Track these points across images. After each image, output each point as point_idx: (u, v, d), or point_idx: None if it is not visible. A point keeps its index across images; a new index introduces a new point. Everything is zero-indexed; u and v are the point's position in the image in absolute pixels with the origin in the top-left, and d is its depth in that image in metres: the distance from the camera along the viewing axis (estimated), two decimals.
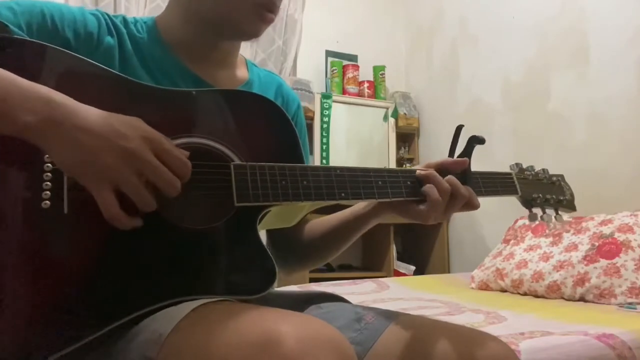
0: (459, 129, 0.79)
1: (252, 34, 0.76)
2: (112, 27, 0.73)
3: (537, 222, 0.88)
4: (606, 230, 1.70)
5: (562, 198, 0.90)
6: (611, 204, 1.94)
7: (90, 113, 0.55)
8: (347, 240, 0.84)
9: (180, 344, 0.52)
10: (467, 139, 0.79)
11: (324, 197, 0.68)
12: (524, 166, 0.89)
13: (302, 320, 0.49)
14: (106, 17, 0.73)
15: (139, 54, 0.74)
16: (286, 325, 0.47)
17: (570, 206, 0.92)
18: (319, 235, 0.86)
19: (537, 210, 0.87)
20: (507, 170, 0.86)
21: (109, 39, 0.71)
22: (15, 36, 0.61)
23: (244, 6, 0.73)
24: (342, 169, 0.70)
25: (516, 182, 0.85)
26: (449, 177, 0.73)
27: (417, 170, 0.74)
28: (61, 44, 0.65)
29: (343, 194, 0.69)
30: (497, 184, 0.83)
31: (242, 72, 0.85)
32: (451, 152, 0.80)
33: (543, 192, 0.87)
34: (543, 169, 0.92)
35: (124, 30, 0.74)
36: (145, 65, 0.73)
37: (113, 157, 0.54)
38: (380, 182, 0.72)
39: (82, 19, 0.70)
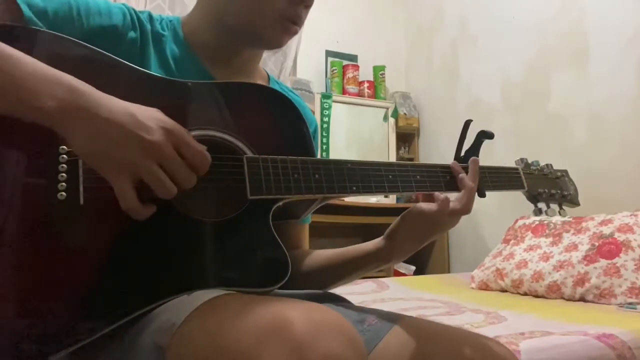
0: (467, 124, 0.81)
1: (276, 44, 0.77)
2: (136, 22, 0.73)
3: (541, 216, 0.90)
4: (606, 230, 1.70)
5: (566, 193, 0.91)
6: (611, 204, 1.94)
7: (113, 103, 0.55)
8: (344, 277, 0.83)
9: (192, 332, 0.52)
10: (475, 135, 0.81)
11: (336, 191, 0.68)
12: (529, 161, 0.90)
13: (312, 306, 0.49)
14: (132, 11, 0.74)
15: (160, 51, 0.74)
16: (296, 311, 0.47)
17: (574, 201, 0.92)
18: (320, 266, 0.83)
19: (542, 205, 0.88)
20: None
21: (132, 33, 0.72)
22: (33, 27, 0.61)
23: (270, 17, 0.73)
24: (353, 162, 0.71)
25: (523, 177, 0.86)
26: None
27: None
28: (85, 35, 0.65)
29: (354, 188, 0.70)
30: (503, 178, 0.84)
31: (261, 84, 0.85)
32: (459, 147, 0.81)
33: (548, 187, 0.88)
34: (547, 164, 0.92)
35: (148, 27, 0.74)
36: (164, 63, 0.74)
37: (135, 148, 0.54)
38: (390, 176, 0.73)
39: (107, 12, 0.70)
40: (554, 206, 0.89)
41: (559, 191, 0.90)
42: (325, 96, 2.99)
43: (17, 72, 0.52)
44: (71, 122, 0.53)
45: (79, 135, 0.53)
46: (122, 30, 0.71)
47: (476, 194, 0.78)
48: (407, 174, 0.74)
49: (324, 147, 2.94)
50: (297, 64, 3.09)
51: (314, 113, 2.87)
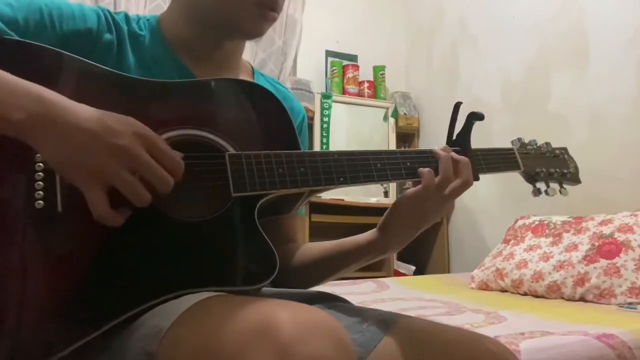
0: (457, 106, 0.79)
1: (255, 33, 0.76)
2: (112, 23, 0.72)
3: (541, 195, 0.87)
4: (606, 230, 1.70)
5: (566, 171, 0.88)
6: (611, 204, 1.94)
7: (82, 110, 0.55)
8: (342, 268, 0.81)
9: (180, 336, 0.51)
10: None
11: (322, 183, 0.67)
12: (526, 141, 0.87)
13: (300, 307, 0.49)
14: (107, 13, 0.73)
15: (138, 52, 0.73)
16: (284, 312, 0.47)
17: (575, 179, 0.89)
18: (315, 259, 0.82)
19: (541, 185, 0.85)
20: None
21: (108, 36, 0.71)
22: (4, 37, 0.61)
23: (247, 6, 0.72)
24: (339, 153, 0.69)
25: (518, 157, 0.83)
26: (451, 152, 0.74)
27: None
28: (59, 40, 0.65)
29: (342, 179, 0.68)
30: (498, 159, 0.82)
31: (245, 78, 0.84)
32: (450, 130, 0.79)
33: (546, 166, 0.86)
34: (546, 143, 0.89)
35: (124, 27, 0.73)
36: (142, 64, 0.73)
37: (105, 154, 0.53)
38: (379, 165, 0.71)
39: (81, 15, 0.69)
40: (555, 186, 0.86)
41: (557, 169, 0.86)
42: (325, 96, 2.99)
43: None
44: (40, 132, 0.52)
45: (48, 145, 0.53)
46: (97, 32, 0.70)
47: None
48: (396, 161, 0.72)
49: (324, 147, 2.94)
50: (297, 64, 3.09)
51: (313, 113, 2.90)
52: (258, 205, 0.65)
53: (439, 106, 3.15)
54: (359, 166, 0.70)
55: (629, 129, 2.04)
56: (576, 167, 0.90)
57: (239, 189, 0.63)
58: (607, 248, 1.64)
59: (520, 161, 0.83)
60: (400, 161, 0.73)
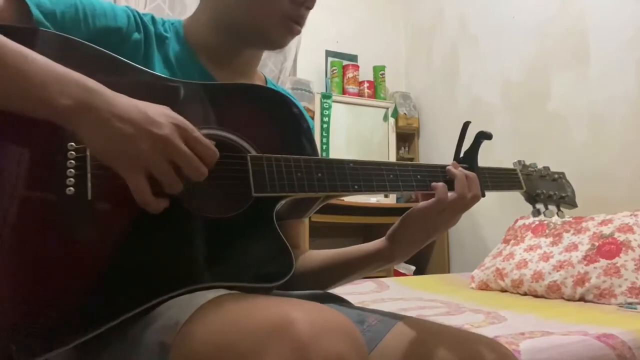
0: (466, 125, 0.82)
1: (278, 44, 0.78)
2: (140, 24, 0.74)
3: (540, 217, 0.91)
4: (606, 230, 1.70)
5: (564, 195, 0.92)
6: (611, 204, 1.94)
7: (125, 101, 0.57)
8: (346, 277, 0.83)
9: (195, 331, 0.52)
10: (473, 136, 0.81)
11: (338, 189, 0.70)
12: (527, 163, 0.91)
13: (314, 306, 0.49)
14: (135, 14, 0.75)
15: (163, 52, 0.75)
16: (299, 311, 0.47)
17: (572, 202, 0.94)
18: (318, 267, 0.83)
19: (540, 207, 0.89)
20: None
21: (136, 35, 0.73)
22: (41, 28, 0.63)
23: (273, 17, 0.74)
24: (355, 162, 0.72)
25: (521, 178, 0.87)
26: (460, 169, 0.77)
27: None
28: (91, 36, 0.67)
29: (356, 186, 0.71)
30: (502, 179, 0.85)
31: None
32: (458, 148, 0.82)
33: (546, 189, 0.90)
34: (545, 167, 0.94)
35: (151, 28, 0.76)
36: (168, 64, 0.75)
37: (147, 144, 0.55)
38: (391, 176, 0.74)
39: (112, 14, 0.71)
40: (553, 208, 0.90)
41: (556, 192, 0.91)
42: (325, 96, 2.99)
43: (33, 72, 0.53)
44: (86, 120, 0.54)
45: (94, 133, 0.55)
46: (127, 31, 0.72)
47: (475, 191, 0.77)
48: (407, 174, 0.75)
49: (324, 147, 2.94)
50: (297, 64, 3.09)
51: (313, 113, 2.90)
52: (277, 207, 0.66)
53: (439, 106, 3.15)
54: (372, 176, 0.73)
55: (629, 129, 2.04)
56: (573, 192, 0.95)
57: (259, 189, 0.65)
58: (607, 248, 1.64)
59: (523, 182, 0.87)
60: (412, 174, 0.76)
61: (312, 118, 2.92)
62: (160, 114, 0.57)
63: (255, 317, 0.48)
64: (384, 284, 2.10)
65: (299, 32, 0.78)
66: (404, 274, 2.83)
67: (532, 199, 0.88)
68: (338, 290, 0.85)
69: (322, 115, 2.96)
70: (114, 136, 0.55)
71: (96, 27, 0.69)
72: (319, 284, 0.84)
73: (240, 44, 0.79)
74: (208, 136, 0.64)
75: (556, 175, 0.94)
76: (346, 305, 0.81)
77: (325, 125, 2.96)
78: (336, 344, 0.45)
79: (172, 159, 0.57)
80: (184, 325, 0.53)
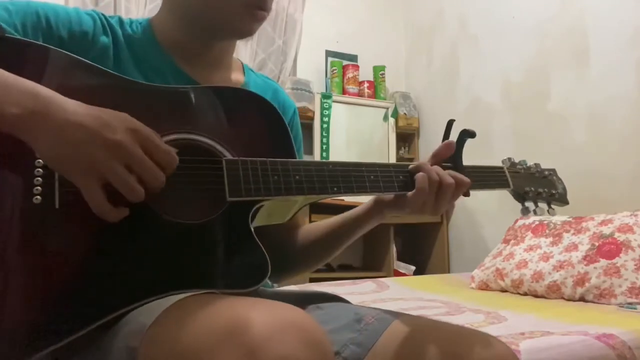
0: (450, 123, 0.80)
1: (245, 32, 0.76)
2: (107, 27, 0.73)
3: (529, 215, 0.89)
4: (606, 230, 1.70)
5: (554, 192, 0.90)
6: (611, 204, 1.94)
7: (77, 106, 0.55)
8: (345, 241, 0.85)
9: (157, 334, 0.52)
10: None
11: (316, 191, 0.68)
12: (516, 161, 0.90)
13: (272, 306, 0.49)
14: (102, 17, 0.74)
15: (133, 54, 0.74)
16: (254, 312, 0.46)
17: (563, 200, 0.92)
18: (317, 238, 0.86)
19: (530, 204, 0.88)
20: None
21: (104, 39, 0.72)
22: (6, 34, 0.62)
23: (234, 6, 0.73)
24: (334, 163, 0.71)
25: (508, 176, 0.85)
26: (436, 167, 0.74)
27: (410, 165, 0.76)
28: (56, 43, 0.66)
29: (335, 188, 0.70)
30: (488, 177, 0.83)
31: (237, 75, 0.85)
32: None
33: (535, 186, 0.88)
34: (535, 164, 0.92)
35: (119, 31, 0.74)
36: (139, 65, 0.74)
37: (100, 149, 0.54)
38: (372, 177, 0.73)
39: (77, 19, 0.70)
40: (543, 205, 0.89)
41: (546, 190, 0.89)
42: (325, 96, 2.99)
43: None
44: (34, 127, 0.53)
45: (44, 140, 0.53)
46: (93, 35, 0.71)
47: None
48: (389, 175, 0.74)
49: (324, 147, 2.94)
50: (297, 64, 3.09)
51: (313, 113, 2.90)
52: (252, 211, 0.65)
53: (439, 106, 3.15)
54: (352, 177, 0.71)
55: (629, 129, 2.04)
56: (564, 188, 0.93)
57: (234, 194, 0.63)
58: (607, 248, 1.64)
59: (510, 179, 0.85)
60: (394, 174, 0.74)
61: (312, 118, 2.92)
62: (115, 118, 0.56)
63: (210, 319, 0.48)
64: (384, 284, 2.10)
65: (264, 18, 0.76)
66: (404, 274, 2.83)
67: (520, 196, 0.86)
68: (338, 291, 0.85)
69: (322, 115, 2.96)
70: (65, 142, 0.53)
71: (60, 33, 0.67)
72: (322, 253, 0.87)
73: (207, 36, 0.78)
74: (183, 140, 0.64)
75: (546, 172, 0.92)
76: (344, 305, 0.81)
77: (325, 125, 2.96)
78: (291, 345, 0.44)
79: (128, 164, 0.55)
80: (148, 329, 0.52)
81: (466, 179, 0.75)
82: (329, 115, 2.97)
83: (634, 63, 2.03)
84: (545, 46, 2.44)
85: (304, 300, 0.80)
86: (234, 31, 0.76)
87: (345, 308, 0.77)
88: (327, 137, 2.95)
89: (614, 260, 1.60)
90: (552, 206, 0.90)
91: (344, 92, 3.13)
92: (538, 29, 2.48)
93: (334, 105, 2.99)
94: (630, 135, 2.03)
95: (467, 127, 0.80)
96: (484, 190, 0.83)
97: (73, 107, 0.55)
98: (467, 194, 0.77)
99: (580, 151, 2.22)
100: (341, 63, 3.18)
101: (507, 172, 0.85)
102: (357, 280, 2.22)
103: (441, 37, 3.15)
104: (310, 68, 3.14)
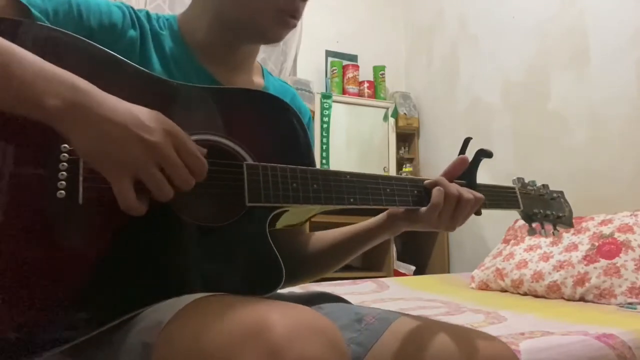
0: (466, 141, 0.81)
1: (274, 38, 0.77)
2: (135, 20, 0.73)
3: (536, 236, 0.91)
4: (606, 230, 1.70)
5: (561, 215, 0.91)
6: (611, 204, 1.94)
7: (116, 103, 0.55)
8: (355, 252, 0.86)
9: (174, 333, 0.52)
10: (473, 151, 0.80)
11: (333, 202, 0.69)
12: (526, 180, 0.91)
13: (293, 309, 0.49)
14: (130, 10, 0.74)
15: (159, 49, 0.74)
16: (276, 314, 0.47)
17: (568, 223, 0.93)
18: (327, 246, 0.86)
19: (536, 225, 0.89)
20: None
21: (132, 32, 0.72)
22: (37, 22, 0.62)
23: (268, 11, 0.73)
24: (351, 174, 0.71)
25: (519, 197, 0.87)
26: (454, 183, 0.75)
27: (426, 180, 0.76)
28: (85, 33, 0.66)
29: (352, 199, 0.70)
30: (500, 197, 0.85)
31: (257, 79, 0.85)
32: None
33: (544, 208, 0.89)
34: (544, 185, 0.93)
35: (146, 25, 0.74)
36: (164, 62, 0.74)
37: (136, 148, 0.54)
38: (388, 190, 0.73)
39: (107, 10, 0.70)
40: (549, 227, 0.90)
41: (553, 212, 0.90)
42: (325, 96, 2.99)
43: (20, 70, 0.52)
44: (73, 121, 0.53)
45: (81, 134, 0.53)
46: (122, 28, 0.71)
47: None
48: (404, 189, 0.75)
49: (324, 147, 2.94)
50: (297, 64, 3.10)
51: (313, 113, 2.90)
52: (270, 217, 0.65)
53: (439, 106, 3.15)
54: (369, 189, 0.72)
55: (629, 129, 2.04)
56: (570, 211, 0.95)
57: (253, 199, 0.64)
58: (607, 248, 1.64)
59: (520, 201, 0.86)
60: (409, 188, 0.75)
61: (312, 118, 2.91)
62: (152, 118, 0.56)
63: (231, 320, 0.48)
64: (384, 284, 2.10)
65: (294, 26, 0.76)
66: (404, 274, 2.83)
67: (528, 217, 0.88)
68: (338, 290, 0.85)
69: (322, 115, 2.96)
70: (101, 138, 0.53)
71: (91, 24, 0.67)
72: (331, 261, 0.87)
73: (235, 39, 0.78)
74: (205, 141, 0.64)
75: (555, 195, 0.93)
76: (344, 305, 0.81)
77: (325, 125, 2.96)
78: (311, 346, 0.44)
79: (162, 166, 0.56)
80: (166, 326, 0.52)
81: (480, 195, 0.76)
82: (329, 115, 2.97)
83: (634, 63, 2.03)
84: (545, 46, 2.44)
85: (305, 301, 0.80)
86: (263, 36, 0.77)
87: (346, 308, 0.77)
88: (327, 137, 2.95)
89: (614, 260, 1.60)
90: (558, 228, 0.91)
91: (344, 92, 3.13)
92: (538, 29, 2.48)
93: (334, 105, 2.99)
94: (630, 135, 2.03)
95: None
96: (496, 209, 0.84)
97: (111, 102, 0.55)
98: (478, 213, 0.79)
99: (580, 151, 2.22)
100: (341, 63, 3.18)
101: (518, 193, 0.87)
102: (357, 280, 2.22)
103: (441, 37, 3.15)
104: (310, 68, 3.14)
